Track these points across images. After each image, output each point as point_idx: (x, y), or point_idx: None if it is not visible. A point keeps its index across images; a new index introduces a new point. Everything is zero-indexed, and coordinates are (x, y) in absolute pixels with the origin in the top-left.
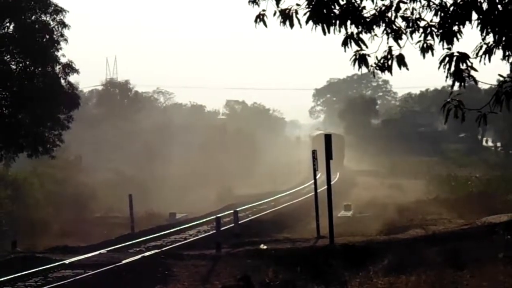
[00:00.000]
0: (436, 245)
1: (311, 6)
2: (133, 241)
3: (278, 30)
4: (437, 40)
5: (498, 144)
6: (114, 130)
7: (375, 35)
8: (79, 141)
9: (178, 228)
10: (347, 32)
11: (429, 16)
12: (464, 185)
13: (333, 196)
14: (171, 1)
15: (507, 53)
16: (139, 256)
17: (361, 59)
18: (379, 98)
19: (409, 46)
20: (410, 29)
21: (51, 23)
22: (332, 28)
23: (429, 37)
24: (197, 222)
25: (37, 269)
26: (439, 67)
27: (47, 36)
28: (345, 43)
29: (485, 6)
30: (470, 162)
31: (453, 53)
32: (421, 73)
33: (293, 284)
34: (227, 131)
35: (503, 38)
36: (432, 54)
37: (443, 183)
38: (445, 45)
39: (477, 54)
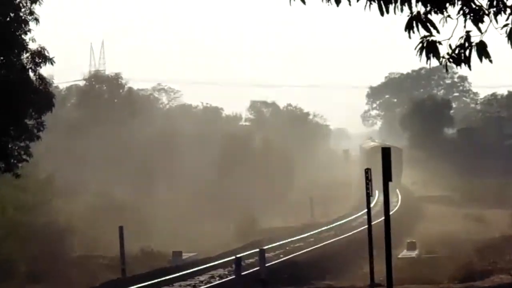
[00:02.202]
0: None
1: None
2: None
3: (319, 11)
4: None
5: None
6: (101, 140)
7: (449, 16)
8: (53, 155)
9: (185, 272)
10: (411, 12)
11: None
12: None
13: (392, 230)
14: None
15: None
16: None
17: (430, 48)
18: (454, 100)
19: (493, 31)
20: (494, 9)
21: None
22: (392, 7)
23: None
24: (211, 264)
25: None
26: None
27: (11, 14)
28: (409, 27)
29: None
30: None
31: None
32: (510, 68)
33: None
34: (252, 142)
35: None
36: None
37: None
38: None
39: None
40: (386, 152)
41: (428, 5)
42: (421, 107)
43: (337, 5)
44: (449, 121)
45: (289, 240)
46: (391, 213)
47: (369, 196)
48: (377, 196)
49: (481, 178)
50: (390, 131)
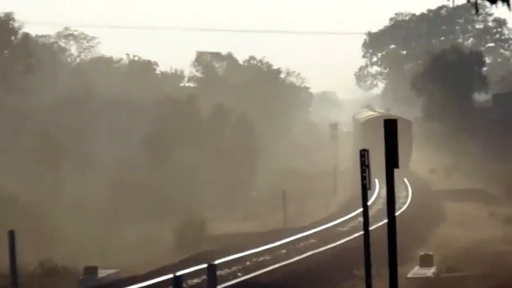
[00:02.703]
0: None
1: None
2: None
3: None
4: None
5: None
6: None
7: None
8: None
9: None
10: None
11: None
12: None
13: (399, 238)
14: None
15: None
16: None
17: None
18: (488, 53)
19: None
20: None
21: None
22: None
23: None
24: (138, 285)
25: None
26: None
27: None
28: None
29: None
30: None
31: None
32: None
33: None
34: (200, 110)
35: None
36: None
37: None
38: None
39: None
40: (390, 126)
41: None
42: (442, 63)
43: None
44: (481, 82)
45: (251, 251)
46: (397, 213)
47: (366, 189)
48: (378, 189)
49: None
50: (396, 96)
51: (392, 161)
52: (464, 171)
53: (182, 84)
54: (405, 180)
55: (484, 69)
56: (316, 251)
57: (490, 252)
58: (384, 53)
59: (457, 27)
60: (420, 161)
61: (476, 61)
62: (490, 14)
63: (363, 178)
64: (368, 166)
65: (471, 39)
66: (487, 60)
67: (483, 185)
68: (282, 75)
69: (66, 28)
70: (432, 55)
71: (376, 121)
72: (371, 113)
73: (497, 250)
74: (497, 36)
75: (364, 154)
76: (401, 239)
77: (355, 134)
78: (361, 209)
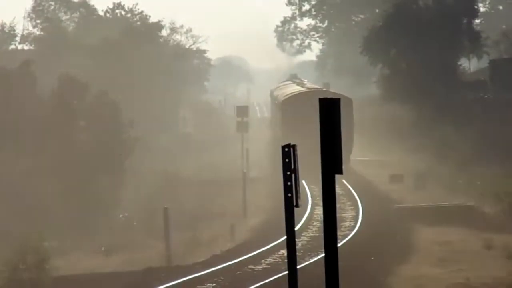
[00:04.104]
0: None
1: None
2: None
3: None
4: None
5: None
6: None
7: None
8: None
9: None
10: None
11: None
12: None
13: (344, 282)
14: None
15: None
16: None
17: None
18: None
19: None
20: None
21: None
22: None
23: None
24: None
25: None
26: None
27: None
28: None
29: None
30: None
31: None
32: None
33: None
34: (37, 84)
35: None
36: None
37: None
38: None
39: None
40: (329, 109)
41: None
42: (411, 13)
43: None
44: (472, 42)
45: None
46: (340, 244)
47: (292, 206)
48: (311, 205)
49: None
50: (340, 64)
51: (331, 163)
52: (446, 179)
53: (12, 47)
54: (352, 190)
55: (477, 21)
56: None
57: None
58: None
59: None
60: (377, 164)
61: (465, 10)
62: None
63: (287, 189)
64: (294, 171)
65: None
66: (481, 8)
67: (474, 200)
68: (164, 32)
69: None
70: (396, 2)
71: (300, 100)
72: (295, 88)
73: None
74: None
75: (288, 152)
76: (348, 284)
77: (273, 121)
78: (284, 237)
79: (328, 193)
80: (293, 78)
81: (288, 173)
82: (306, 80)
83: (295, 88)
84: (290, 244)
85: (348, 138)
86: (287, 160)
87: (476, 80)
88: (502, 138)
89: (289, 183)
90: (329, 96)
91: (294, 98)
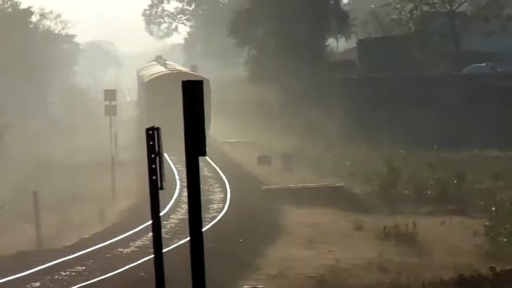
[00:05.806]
0: None
1: None
2: None
3: None
4: None
5: None
6: None
7: None
8: None
9: None
10: None
11: None
12: None
13: (211, 264)
14: None
15: None
16: None
17: None
18: None
19: None
20: None
21: None
22: None
23: None
24: None
25: None
26: None
27: None
28: None
29: None
30: None
31: None
32: None
33: None
34: None
35: None
36: None
37: None
38: None
39: None
40: (192, 91)
41: None
42: None
43: None
44: (340, 22)
45: None
46: (208, 227)
47: (157, 189)
48: (179, 188)
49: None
50: (208, 46)
51: (195, 145)
52: (315, 160)
53: None
54: (220, 172)
55: (345, 1)
56: (85, 284)
57: (356, 285)
58: None
59: None
60: (245, 146)
61: None
62: None
63: (151, 172)
64: (159, 154)
65: None
66: None
67: (344, 180)
68: (34, 18)
69: None
70: None
71: (164, 81)
72: (160, 69)
73: (367, 283)
74: None
75: (152, 135)
76: (216, 266)
77: (139, 101)
78: (150, 222)
79: (192, 175)
80: (157, 58)
81: (153, 155)
82: (171, 62)
83: (160, 69)
84: (156, 226)
85: (206, 118)
86: (151, 142)
87: (344, 60)
88: (371, 118)
89: (153, 166)
90: (192, 79)
91: (158, 79)
